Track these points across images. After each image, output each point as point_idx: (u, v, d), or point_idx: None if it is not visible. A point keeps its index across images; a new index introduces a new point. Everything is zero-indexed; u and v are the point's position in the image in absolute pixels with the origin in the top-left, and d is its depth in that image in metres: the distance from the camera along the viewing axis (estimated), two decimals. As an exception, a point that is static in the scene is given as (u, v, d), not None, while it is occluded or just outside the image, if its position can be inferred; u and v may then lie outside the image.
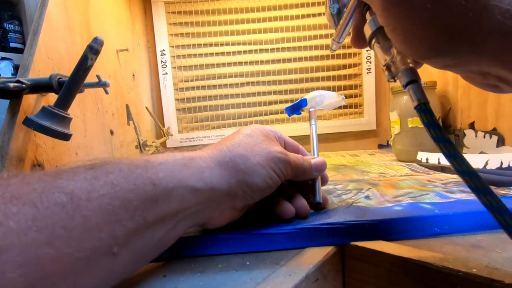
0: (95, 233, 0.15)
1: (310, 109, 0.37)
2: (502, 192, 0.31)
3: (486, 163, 0.43)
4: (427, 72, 0.68)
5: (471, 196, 0.30)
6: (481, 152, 0.53)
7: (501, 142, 0.50)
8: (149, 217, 0.18)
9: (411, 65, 0.18)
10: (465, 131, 0.58)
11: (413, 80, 0.17)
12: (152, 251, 0.19)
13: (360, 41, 0.21)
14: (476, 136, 0.55)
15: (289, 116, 0.38)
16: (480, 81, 0.18)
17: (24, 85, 0.32)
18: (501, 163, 0.42)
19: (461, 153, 0.15)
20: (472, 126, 0.56)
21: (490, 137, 0.51)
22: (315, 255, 0.22)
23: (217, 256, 0.23)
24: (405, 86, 0.18)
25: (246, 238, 0.24)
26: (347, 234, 0.24)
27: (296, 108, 0.37)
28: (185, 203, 0.20)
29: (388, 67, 0.19)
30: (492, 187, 0.33)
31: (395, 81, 0.19)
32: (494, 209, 0.14)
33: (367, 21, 0.19)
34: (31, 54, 0.36)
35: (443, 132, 0.16)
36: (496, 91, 0.18)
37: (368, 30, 0.20)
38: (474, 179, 0.15)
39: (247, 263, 0.22)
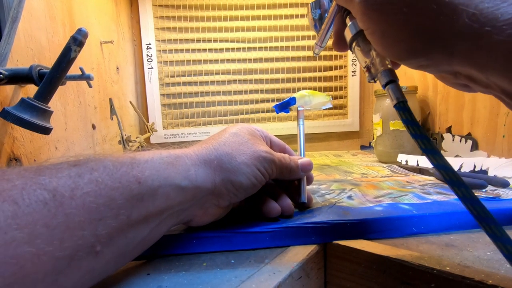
0: (77, 231, 0.15)
1: (299, 108, 0.37)
2: (474, 194, 0.33)
3: (461, 166, 0.46)
4: (409, 77, 0.70)
5: (447, 198, 0.32)
6: (457, 156, 0.56)
7: (475, 146, 0.52)
8: (134, 216, 0.18)
9: (389, 66, 0.18)
10: (443, 134, 0.61)
11: (391, 80, 0.18)
12: (135, 249, 0.19)
13: (341, 44, 0.22)
14: (453, 140, 0.58)
15: (277, 113, 0.38)
16: (452, 81, 0.19)
17: (1, 75, 0.30)
18: (474, 166, 0.44)
19: (438, 149, 0.16)
20: (449, 130, 0.59)
21: (465, 141, 0.54)
22: (299, 253, 0.23)
23: (202, 254, 0.23)
24: (384, 86, 0.18)
25: (231, 237, 0.24)
26: (330, 233, 0.25)
27: (285, 106, 0.37)
28: (170, 201, 0.20)
29: (368, 69, 0.20)
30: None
31: (375, 81, 0.20)
32: (466, 200, 0.15)
33: (348, 25, 0.20)
34: (9, 42, 0.34)
35: (421, 129, 0.17)
36: (468, 90, 0.19)
37: (348, 34, 0.20)
38: (450, 173, 0.16)
39: (232, 261, 0.22)
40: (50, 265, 0.14)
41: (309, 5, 0.26)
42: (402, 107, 0.17)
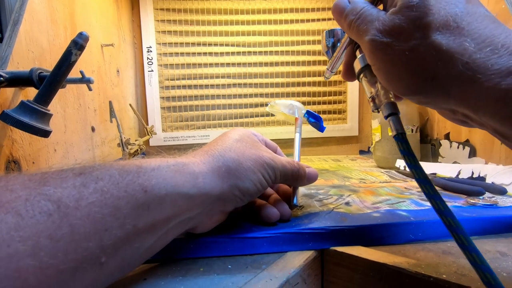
0: (83, 243, 0.15)
1: (299, 117, 0.37)
2: (472, 201, 0.33)
3: (459, 173, 0.46)
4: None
5: (444, 205, 0.32)
6: (455, 162, 0.56)
7: (473, 153, 0.52)
8: (140, 225, 0.17)
9: (392, 99, 0.20)
10: (441, 141, 0.61)
11: (393, 113, 0.20)
12: (140, 258, 0.19)
13: (349, 75, 0.24)
14: (450, 146, 0.58)
15: (309, 119, 0.38)
16: (451, 117, 0.21)
17: (1, 78, 0.30)
18: (472, 173, 0.44)
19: (428, 177, 0.18)
20: (447, 136, 0.59)
21: (463, 148, 0.54)
22: (296, 259, 0.23)
23: (199, 259, 0.23)
24: (386, 117, 0.20)
25: (228, 242, 0.24)
26: (327, 239, 0.25)
27: (315, 118, 0.37)
28: (178, 210, 0.20)
29: (373, 99, 0.21)
30: (463, 196, 0.36)
31: (378, 112, 0.21)
32: (441, 212, 0.17)
33: (357, 57, 0.22)
34: (10, 45, 0.35)
35: (416, 160, 0.18)
36: (466, 126, 0.21)
37: (357, 65, 0.22)
38: (428, 186, 0.17)
39: (229, 266, 0.22)
40: (53, 279, 0.14)
41: (324, 32, 0.28)
42: (400, 138, 0.19)
